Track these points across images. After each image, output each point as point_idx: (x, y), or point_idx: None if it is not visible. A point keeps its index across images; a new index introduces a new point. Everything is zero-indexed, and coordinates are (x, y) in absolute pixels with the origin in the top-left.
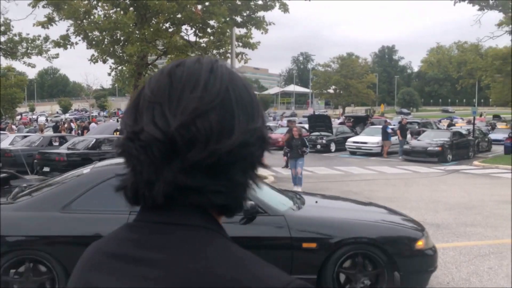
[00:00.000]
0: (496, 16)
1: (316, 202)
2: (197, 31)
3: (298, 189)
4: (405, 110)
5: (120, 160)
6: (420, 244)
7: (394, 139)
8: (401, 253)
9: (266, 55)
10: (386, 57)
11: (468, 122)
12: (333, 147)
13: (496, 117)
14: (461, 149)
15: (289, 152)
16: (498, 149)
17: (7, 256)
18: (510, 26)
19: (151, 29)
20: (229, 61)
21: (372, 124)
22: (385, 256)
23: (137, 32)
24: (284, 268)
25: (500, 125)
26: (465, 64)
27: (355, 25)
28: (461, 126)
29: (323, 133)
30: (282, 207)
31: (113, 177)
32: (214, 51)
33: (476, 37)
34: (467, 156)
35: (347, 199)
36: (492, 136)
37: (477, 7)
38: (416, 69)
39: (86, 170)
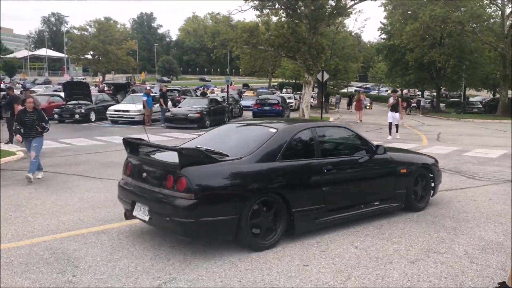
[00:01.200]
0: None
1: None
2: None
3: (39, 175)
4: (165, 78)
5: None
6: (438, 165)
7: (156, 106)
8: (436, 171)
9: (9, 13)
10: (145, 24)
11: (222, 91)
12: (93, 116)
13: (245, 85)
14: (218, 115)
15: (23, 131)
16: (248, 114)
17: (250, 202)
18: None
19: None
20: None
21: (134, 92)
22: (430, 174)
23: None
24: (392, 186)
25: (248, 93)
26: (218, 35)
27: None
28: (216, 93)
29: (81, 102)
30: (381, 149)
31: (298, 133)
32: None
33: (227, 9)
34: (223, 121)
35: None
36: (243, 102)
37: None
38: (174, 38)
39: (271, 129)
